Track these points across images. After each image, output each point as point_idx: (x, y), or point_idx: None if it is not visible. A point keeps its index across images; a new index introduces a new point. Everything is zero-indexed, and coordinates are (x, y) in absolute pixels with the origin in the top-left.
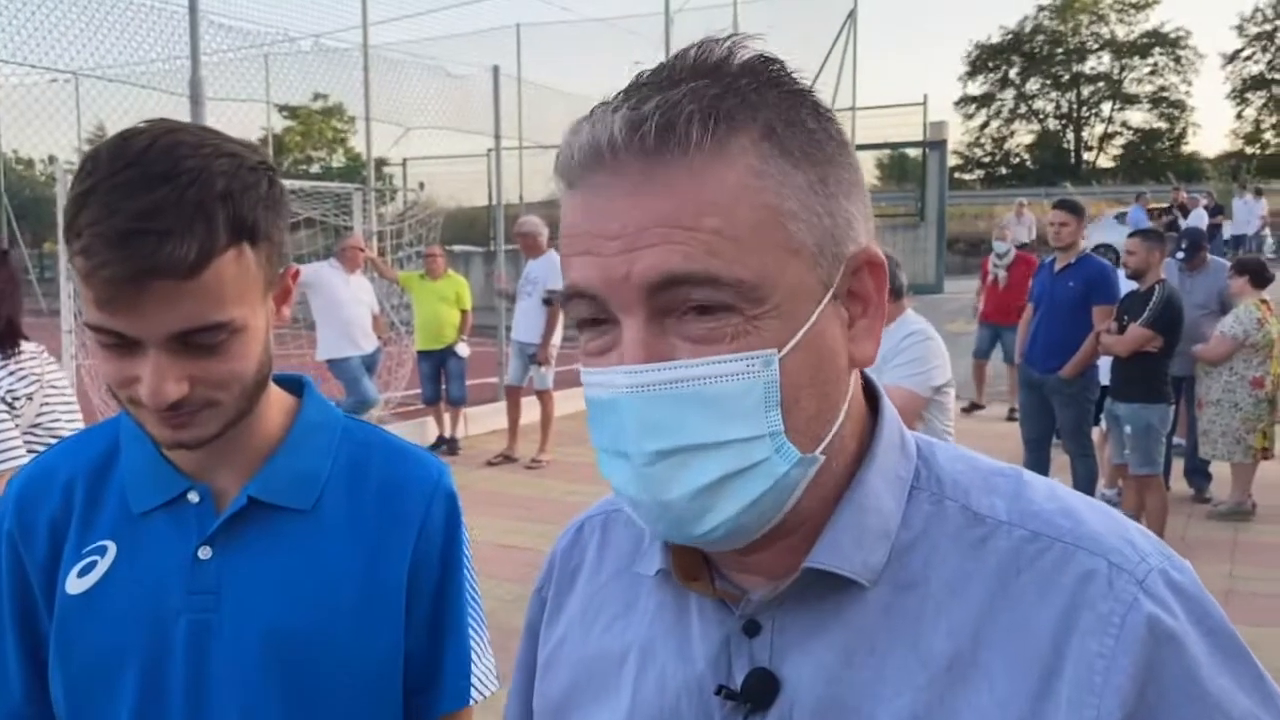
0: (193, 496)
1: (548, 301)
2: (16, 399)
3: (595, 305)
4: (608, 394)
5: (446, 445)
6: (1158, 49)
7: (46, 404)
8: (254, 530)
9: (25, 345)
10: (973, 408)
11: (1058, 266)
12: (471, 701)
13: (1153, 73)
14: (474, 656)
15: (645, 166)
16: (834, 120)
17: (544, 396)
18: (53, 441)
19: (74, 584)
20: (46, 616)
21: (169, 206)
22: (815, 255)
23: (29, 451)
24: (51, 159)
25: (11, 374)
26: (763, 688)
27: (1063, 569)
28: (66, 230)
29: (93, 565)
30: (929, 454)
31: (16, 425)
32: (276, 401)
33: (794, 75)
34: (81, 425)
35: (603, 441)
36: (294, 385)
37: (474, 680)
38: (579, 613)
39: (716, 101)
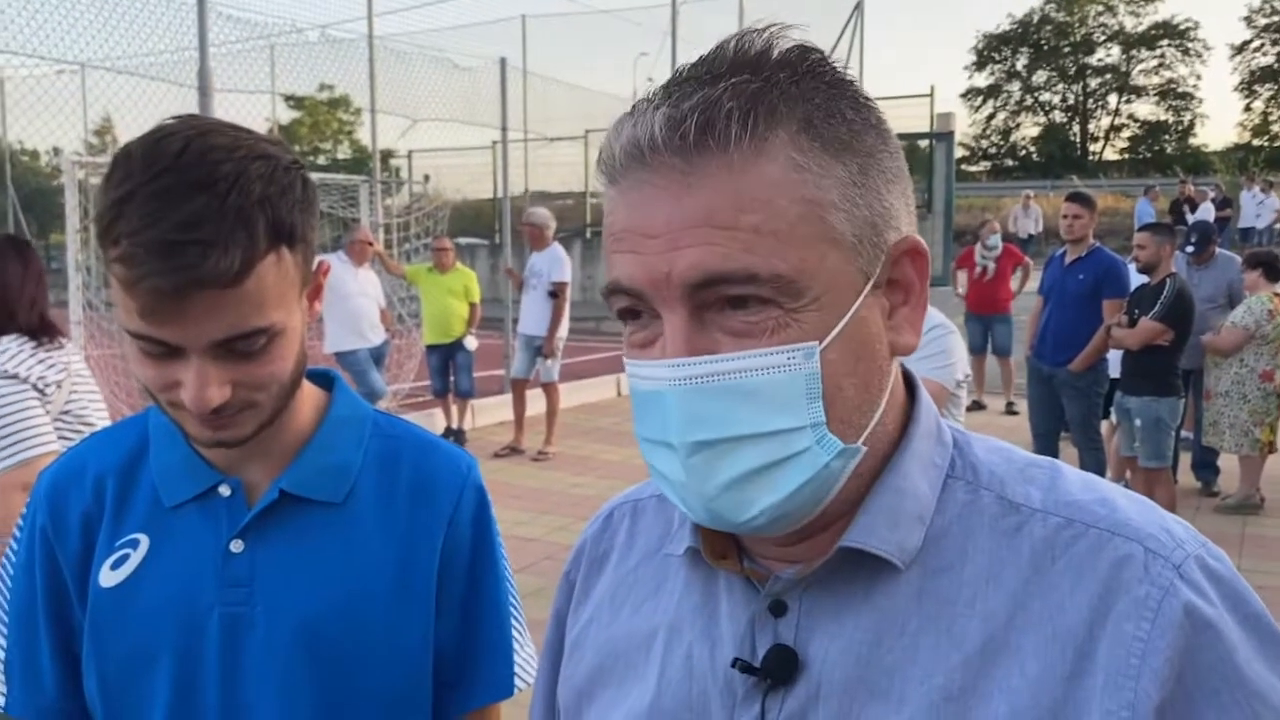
0: (224, 490)
1: (553, 294)
2: (47, 385)
3: (638, 300)
4: (652, 386)
5: (454, 437)
6: (1166, 41)
7: (74, 393)
8: (286, 523)
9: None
10: (976, 406)
11: (1068, 259)
12: (516, 690)
13: (1160, 65)
14: (515, 645)
15: (685, 164)
16: (874, 110)
17: (549, 389)
18: (81, 429)
19: (107, 577)
20: (79, 610)
21: (210, 215)
22: (855, 245)
23: (59, 438)
24: (57, 150)
25: (41, 362)
26: (782, 664)
27: (1098, 554)
28: (102, 235)
29: (125, 558)
30: (965, 444)
31: (47, 412)
32: (307, 396)
33: (834, 65)
34: (106, 414)
35: (647, 431)
36: (323, 380)
37: (516, 669)
38: (608, 596)
39: (756, 96)
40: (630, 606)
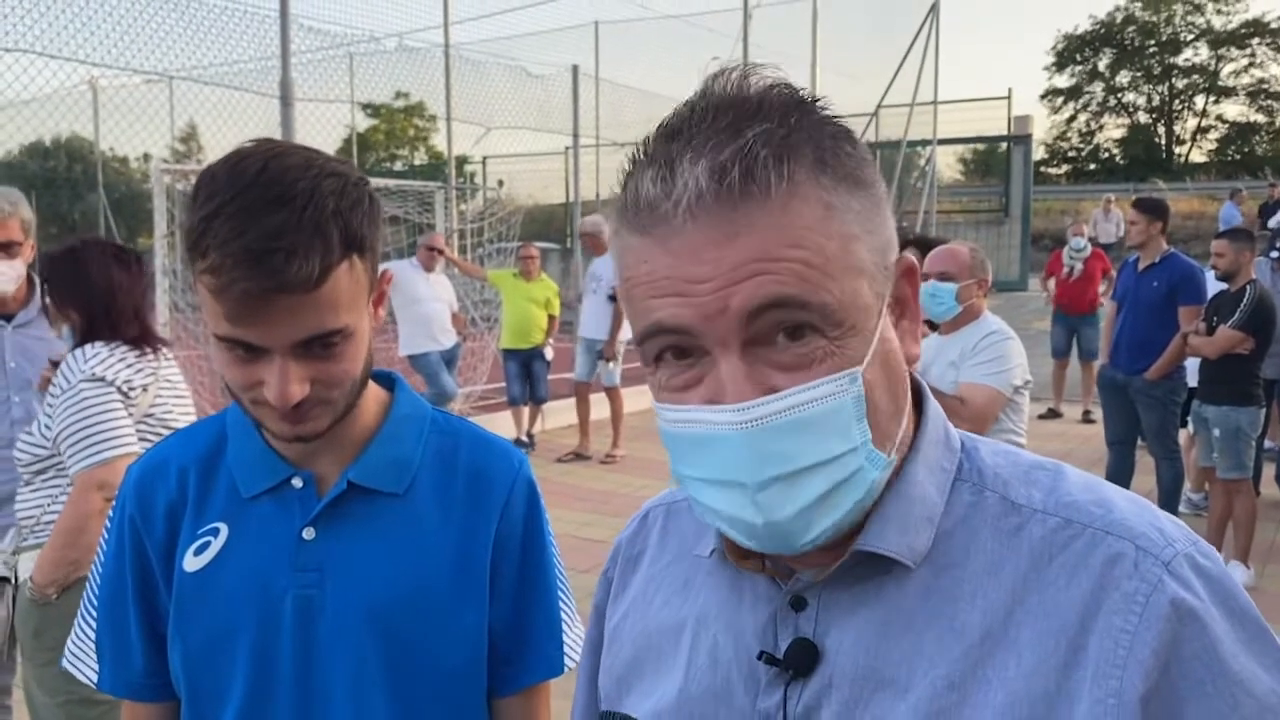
0: (296, 482)
1: (613, 298)
2: (133, 389)
3: (683, 338)
4: (707, 430)
5: (528, 441)
6: (1257, 39)
7: (160, 397)
8: (353, 512)
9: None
10: (1051, 414)
11: (1140, 266)
12: (566, 669)
13: (1251, 64)
14: (564, 627)
15: (731, 212)
16: (860, 142)
17: (612, 393)
18: (163, 432)
19: (190, 562)
20: (165, 593)
21: (290, 227)
22: (874, 272)
23: (140, 439)
24: (146, 156)
25: (130, 366)
26: (804, 655)
27: (1092, 552)
28: (191, 249)
29: (207, 545)
30: (972, 449)
31: (130, 414)
32: (372, 395)
33: (818, 101)
34: (193, 418)
35: (700, 472)
36: (387, 380)
37: (566, 649)
38: (641, 592)
39: (784, 142)
40: (660, 600)
